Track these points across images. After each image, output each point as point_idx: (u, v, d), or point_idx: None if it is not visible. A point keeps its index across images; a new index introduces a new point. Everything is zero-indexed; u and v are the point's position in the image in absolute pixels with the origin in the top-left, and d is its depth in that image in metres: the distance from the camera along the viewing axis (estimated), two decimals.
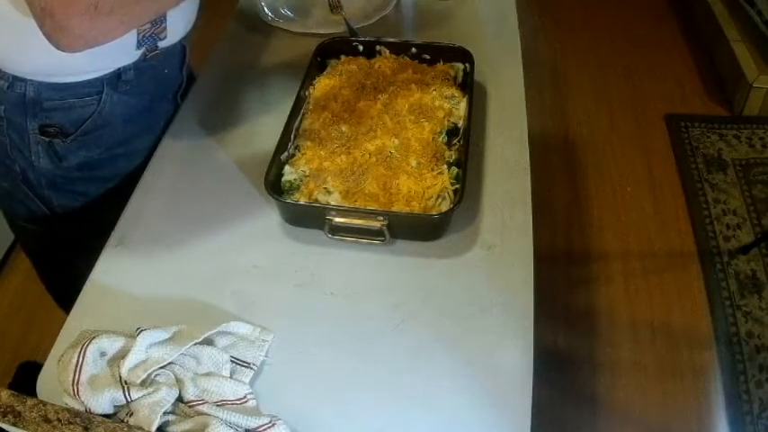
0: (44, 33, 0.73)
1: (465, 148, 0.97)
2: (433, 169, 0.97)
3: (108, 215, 0.99)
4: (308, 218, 0.93)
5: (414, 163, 0.97)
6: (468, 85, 1.10)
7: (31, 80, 0.91)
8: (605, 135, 2.47)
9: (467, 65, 1.14)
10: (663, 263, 2.07)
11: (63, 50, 0.75)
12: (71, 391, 0.70)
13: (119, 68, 0.97)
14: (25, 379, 0.88)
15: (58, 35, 0.73)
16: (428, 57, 1.16)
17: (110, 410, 0.70)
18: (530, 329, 0.83)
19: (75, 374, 0.70)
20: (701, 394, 1.74)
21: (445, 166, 0.97)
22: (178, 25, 1.00)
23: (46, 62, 0.89)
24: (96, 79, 0.95)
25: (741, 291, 1.96)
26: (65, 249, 1.15)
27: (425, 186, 0.94)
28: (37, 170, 1.00)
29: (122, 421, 0.69)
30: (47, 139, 0.96)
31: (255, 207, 0.97)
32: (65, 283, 1.20)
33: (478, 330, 0.83)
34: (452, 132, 1.04)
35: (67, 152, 0.99)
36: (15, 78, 0.91)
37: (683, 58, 2.81)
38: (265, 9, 1.35)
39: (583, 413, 1.71)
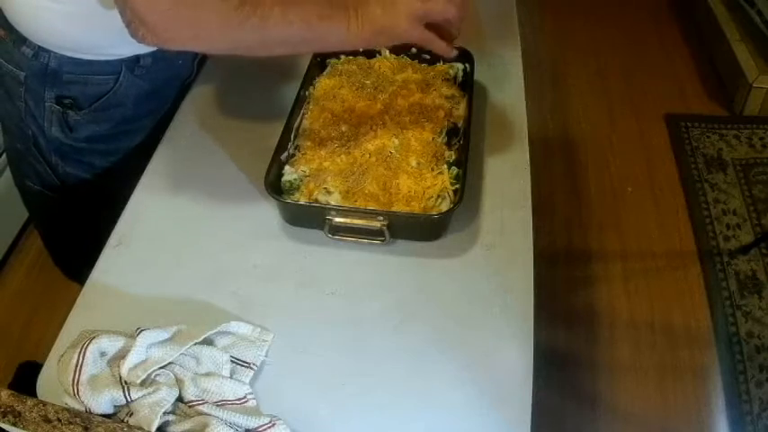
0: (124, 22, 0.77)
1: (465, 148, 0.97)
2: (433, 169, 0.97)
3: (111, 187, 1.04)
4: (308, 218, 0.93)
5: (414, 163, 0.97)
6: (468, 85, 1.10)
7: (55, 53, 0.95)
8: (605, 135, 2.47)
9: (467, 65, 1.14)
10: (663, 263, 2.07)
11: (139, 41, 0.78)
12: (71, 391, 0.70)
13: (138, 54, 1.01)
14: (25, 379, 0.88)
15: (136, 25, 0.77)
16: (428, 57, 1.16)
17: (110, 410, 0.70)
18: (530, 329, 0.83)
19: (75, 374, 0.70)
20: (700, 394, 1.74)
21: (445, 166, 0.97)
22: None
23: (72, 38, 0.94)
24: (116, 61, 0.99)
25: (741, 291, 1.96)
26: (71, 217, 1.20)
27: (425, 186, 0.94)
28: (47, 137, 1.04)
29: (122, 421, 0.69)
30: (61, 110, 1.01)
31: (255, 207, 0.97)
32: (71, 253, 1.26)
33: (478, 330, 0.83)
34: (452, 132, 1.04)
35: (78, 124, 1.03)
36: (41, 49, 0.95)
37: (683, 58, 2.81)
38: None
39: (583, 413, 1.71)
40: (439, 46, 0.89)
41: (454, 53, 0.92)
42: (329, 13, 0.83)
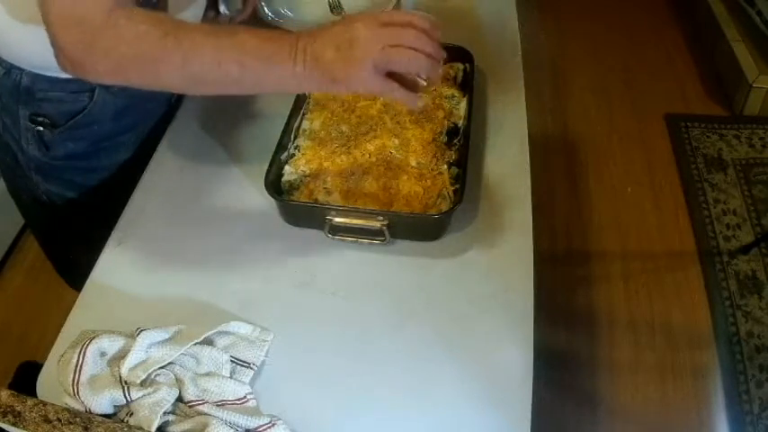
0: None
1: (465, 148, 0.97)
2: (432, 169, 0.97)
3: (97, 203, 1.01)
4: (308, 218, 0.93)
5: (414, 163, 0.97)
6: (468, 85, 1.10)
7: (27, 70, 0.92)
8: (605, 135, 2.47)
9: (467, 65, 1.14)
10: (663, 263, 2.07)
11: (60, 68, 0.74)
12: (71, 391, 0.70)
13: None
14: (25, 379, 0.88)
15: (54, 49, 0.73)
16: None
17: (110, 410, 0.70)
18: (530, 329, 0.83)
19: (75, 374, 0.70)
20: (700, 394, 1.74)
21: (445, 166, 0.97)
22: None
23: (41, 56, 0.90)
24: None
25: (741, 291, 1.96)
26: (64, 229, 1.17)
27: (425, 186, 0.94)
28: (26, 155, 1.02)
29: (122, 421, 0.69)
30: (36, 128, 0.97)
31: (255, 207, 0.97)
32: (68, 260, 1.24)
33: (478, 330, 0.83)
34: (452, 132, 1.04)
35: (54, 142, 1.00)
36: (12, 66, 0.93)
37: (683, 58, 2.81)
38: (265, 9, 1.35)
39: (583, 413, 1.71)
40: (402, 96, 0.76)
41: (420, 105, 0.80)
42: (270, 53, 0.73)
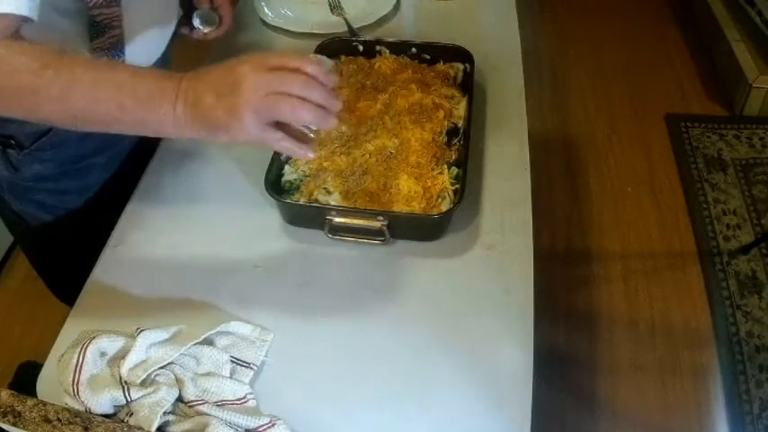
0: None
1: (465, 148, 0.97)
2: (433, 169, 0.97)
3: (72, 225, 0.98)
4: (308, 218, 0.93)
5: (414, 163, 0.97)
6: (468, 85, 1.10)
7: None
8: (605, 135, 2.47)
9: (467, 65, 1.14)
10: (663, 263, 2.07)
11: None
12: (71, 391, 0.70)
13: None
14: (25, 379, 0.88)
15: None
16: (428, 57, 1.16)
17: (110, 410, 0.70)
18: (530, 329, 0.83)
19: (75, 374, 0.70)
20: (701, 394, 1.74)
21: (445, 166, 0.97)
22: (140, 59, 0.96)
23: None
24: None
25: (741, 291, 1.96)
26: (46, 249, 1.15)
27: (425, 186, 0.94)
28: None
29: (122, 421, 0.69)
30: (3, 148, 0.95)
31: (255, 207, 0.97)
32: (56, 277, 1.22)
33: (478, 330, 0.83)
34: (452, 132, 1.04)
35: (21, 163, 0.97)
36: None
37: (683, 58, 2.81)
38: (265, 9, 1.35)
39: (583, 413, 1.71)
40: (288, 148, 0.72)
41: (310, 156, 0.74)
42: (150, 94, 0.69)
